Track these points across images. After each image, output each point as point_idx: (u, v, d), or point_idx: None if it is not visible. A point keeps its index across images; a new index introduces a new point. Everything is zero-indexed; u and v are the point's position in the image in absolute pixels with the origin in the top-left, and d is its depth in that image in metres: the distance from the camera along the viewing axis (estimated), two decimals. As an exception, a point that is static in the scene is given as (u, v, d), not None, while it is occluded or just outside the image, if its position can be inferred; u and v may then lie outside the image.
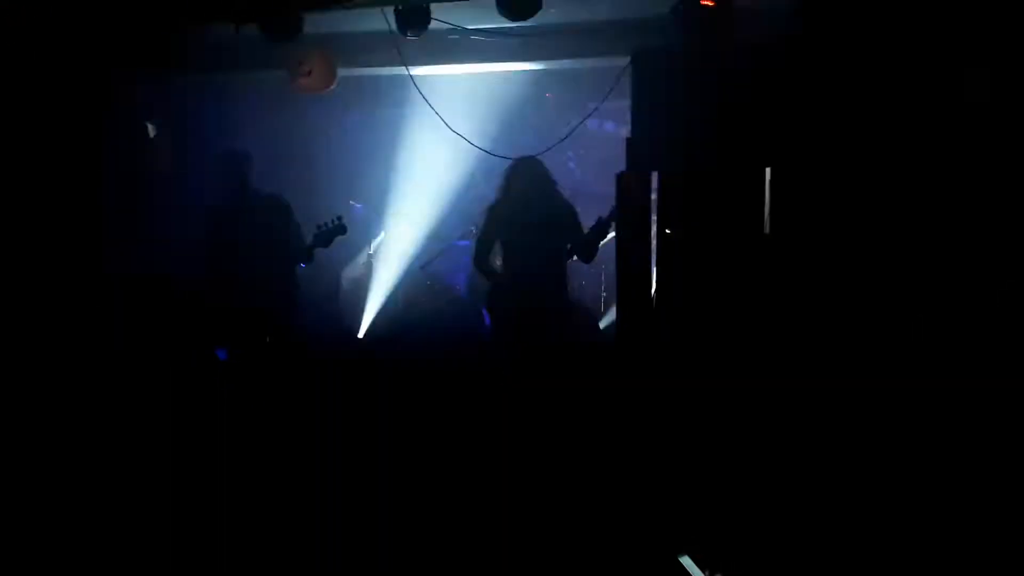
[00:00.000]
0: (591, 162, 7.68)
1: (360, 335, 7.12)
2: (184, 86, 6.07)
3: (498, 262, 4.49)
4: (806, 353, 2.86)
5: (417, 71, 4.96)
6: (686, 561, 2.45)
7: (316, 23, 4.64)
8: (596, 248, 4.44)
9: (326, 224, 4.67)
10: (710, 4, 3.83)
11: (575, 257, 4.54)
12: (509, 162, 4.50)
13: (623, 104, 4.60)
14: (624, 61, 3.71)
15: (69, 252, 4.61)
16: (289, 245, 4.65)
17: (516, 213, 4.33)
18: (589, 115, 5.45)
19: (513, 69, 6.27)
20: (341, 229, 4.68)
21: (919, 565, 2.34)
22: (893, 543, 2.43)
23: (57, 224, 4.59)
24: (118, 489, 3.24)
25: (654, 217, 3.53)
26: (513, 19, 4.32)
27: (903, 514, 2.45)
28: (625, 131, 4.07)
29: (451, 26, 4.75)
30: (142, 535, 2.91)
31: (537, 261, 4.32)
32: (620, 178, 3.67)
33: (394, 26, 4.50)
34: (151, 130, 5.98)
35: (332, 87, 5.29)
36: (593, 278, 6.93)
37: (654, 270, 3.52)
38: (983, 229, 2.54)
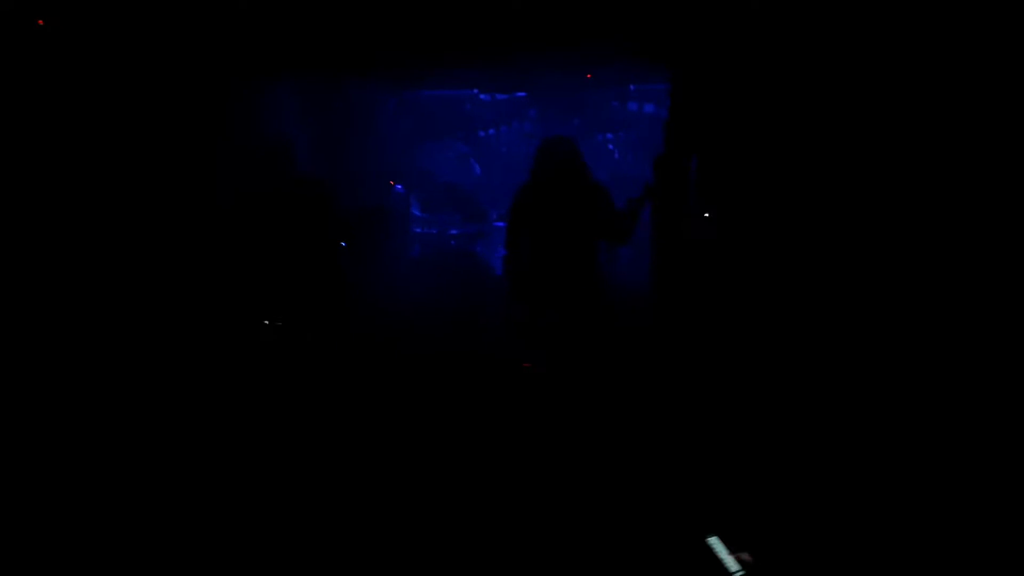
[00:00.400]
0: (631, 144, 7.65)
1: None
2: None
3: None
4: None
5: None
6: (714, 541, 2.48)
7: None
8: (630, 229, 4.23)
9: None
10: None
11: (608, 240, 4.35)
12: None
13: (663, 87, 4.59)
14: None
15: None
16: (330, 228, 4.73)
17: (542, 194, 4.18)
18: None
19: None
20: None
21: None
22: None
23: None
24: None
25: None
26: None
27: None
28: (665, 114, 4.06)
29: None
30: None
31: (564, 246, 4.16)
32: (657, 161, 3.67)
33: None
34: None
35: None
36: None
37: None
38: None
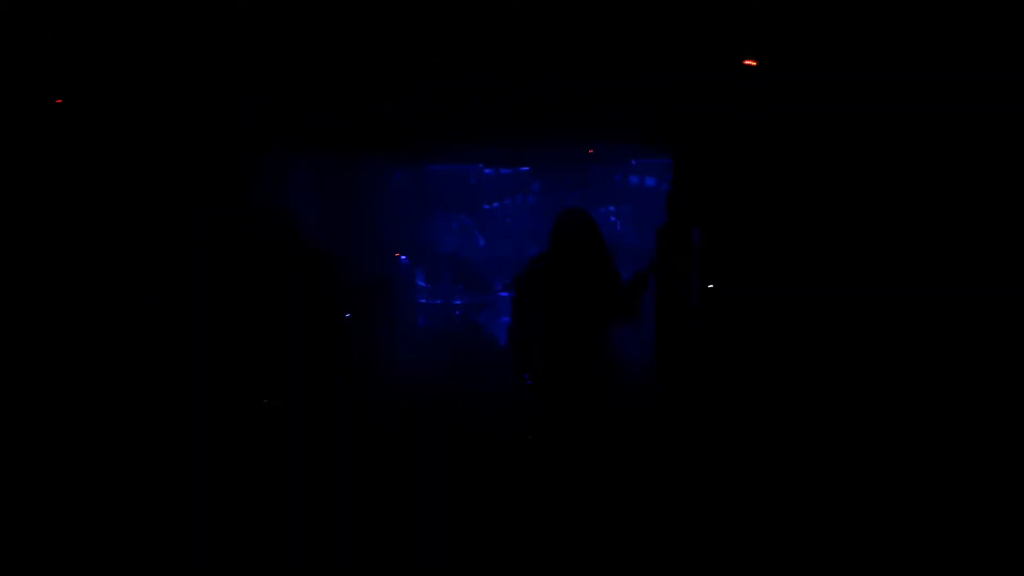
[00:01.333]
0: (632, 217, 7.78)
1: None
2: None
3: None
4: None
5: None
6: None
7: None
8: (637, 305, 4.20)
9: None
10: (752, 64, 3.91)
11: (619, 317, 4.32)
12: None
13: (664, 161, 4.70)
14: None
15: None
16: (336, 298, 4.78)
17: (558, 266, 4.14)
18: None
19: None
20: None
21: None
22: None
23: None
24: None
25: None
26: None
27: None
28: (666, 187, 4.14)
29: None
30: None
31: (578, 319, 4.11)
32: (659, 232, 3.72)
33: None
34: None
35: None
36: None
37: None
38: None
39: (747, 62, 3.99)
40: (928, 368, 2.65)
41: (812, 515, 2.83)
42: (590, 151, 7.31)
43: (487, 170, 8.01)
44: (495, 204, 8.27)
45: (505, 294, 6.71)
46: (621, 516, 3.40)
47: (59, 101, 4.13)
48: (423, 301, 7.55)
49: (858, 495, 2.75)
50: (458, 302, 7.63)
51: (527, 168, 7.55)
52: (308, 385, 4.66)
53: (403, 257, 7.75)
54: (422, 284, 7.63)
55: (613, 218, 7.89)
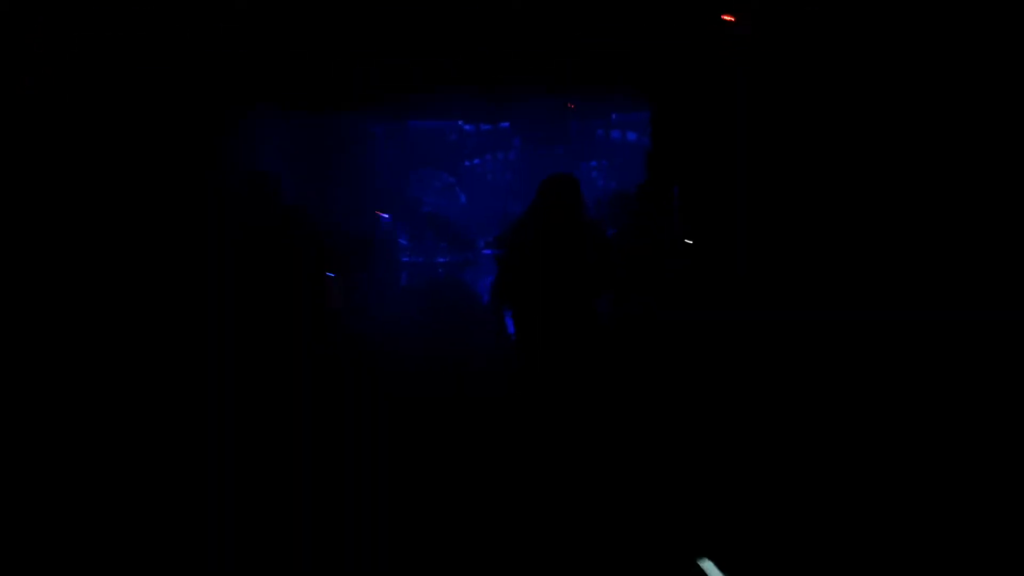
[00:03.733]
0: (615, 172, 7.77)
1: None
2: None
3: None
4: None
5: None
6: (707, 565, 2.51)
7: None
8: (614, 271, 4.21)
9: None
10: (730, 19, 3.89)
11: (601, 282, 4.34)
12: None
13: (645, 115, 4.69)
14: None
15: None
16: (318, 259, 4.76)
17: (541, 235, 4.13)
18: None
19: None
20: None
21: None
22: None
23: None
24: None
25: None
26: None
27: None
28: (647, 141, 4.15)
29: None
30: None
31: (561, 290, 4.11)
32: (640, 189, 3.74)
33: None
34: None
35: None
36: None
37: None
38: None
39: (725, 17, 3.97)
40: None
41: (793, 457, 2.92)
42: (570, 105, 7.25)
43: (467, 126, 7.94)
44: (476, 161, 8.22)
45: (488, 252, 6.72)
46: (609, 477, 3.49)
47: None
48: (405, 259, 7.55)
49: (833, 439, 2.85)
50: (441, 260, 7.63)
51: (507, 124, 7.50)
52: (291, 345, 4.67)
53: (385, 215, 7.72)
54: (404, 242, 7.61)
55: (595, 173, 7.88)
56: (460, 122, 7.83)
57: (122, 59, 4.23)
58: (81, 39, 3.98)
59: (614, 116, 7.71)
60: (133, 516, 3.13)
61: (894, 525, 2.53)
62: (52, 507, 3.14)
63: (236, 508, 3.23)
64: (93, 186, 4.21)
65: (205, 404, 4.07)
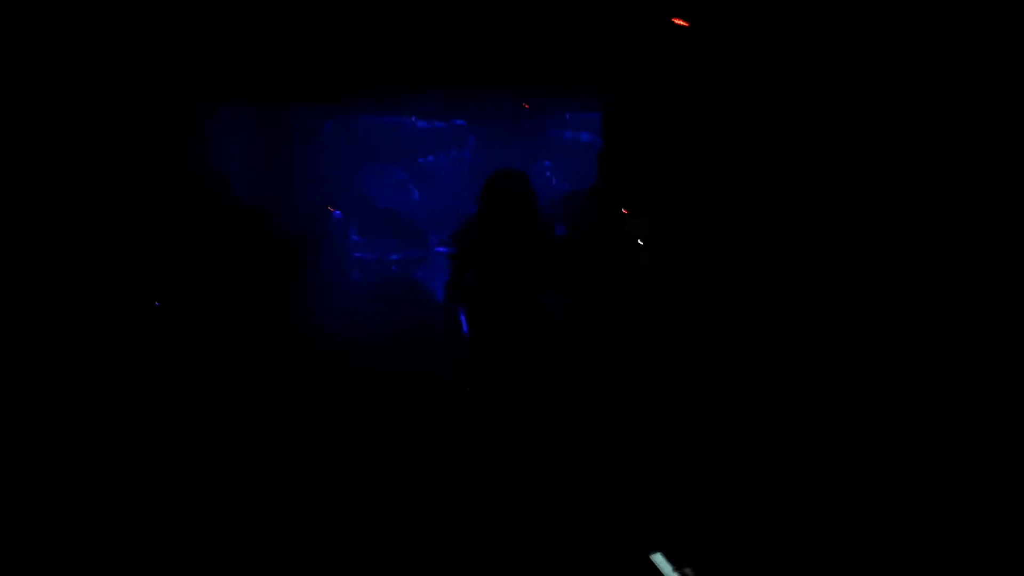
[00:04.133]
0: (568, 171, 7.83)
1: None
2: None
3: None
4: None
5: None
6: (657, 559, 2.55)
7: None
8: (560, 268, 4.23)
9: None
10: (683, 24, 3.96)
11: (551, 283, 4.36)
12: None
13: (598, 116, 4.73)
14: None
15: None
16: (266, 253, 4.69)
17: (492, 233, 4.14)
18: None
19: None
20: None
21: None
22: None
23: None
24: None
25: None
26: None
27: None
28: (601, 141, 4.19)
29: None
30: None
31: (510, 287, 4.13)
32: (593, 188, 3.77)
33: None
34: None
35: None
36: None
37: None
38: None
39: (677, 21, 4.03)
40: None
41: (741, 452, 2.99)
42: (525, 105, 7.28)
43: (421, 123, 7.88)
44: (430, 158, 8.18)
45: (442, 249, 6.70)
46: (554, 467, 3.52)
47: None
48: (358, 255, 7.48)
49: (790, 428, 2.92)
50: (394, 256, 7.58)
51: (462, 122, 7.48)
52: (246, 342, 4.60)
53: (336, 212, 7.63)
54: (356, 238, 7.54)
55: (548, 173, 7.92)
56: (414, 118, 7.78)
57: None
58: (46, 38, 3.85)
59: (568, 116, 7.76)
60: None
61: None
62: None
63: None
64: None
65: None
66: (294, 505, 3.27)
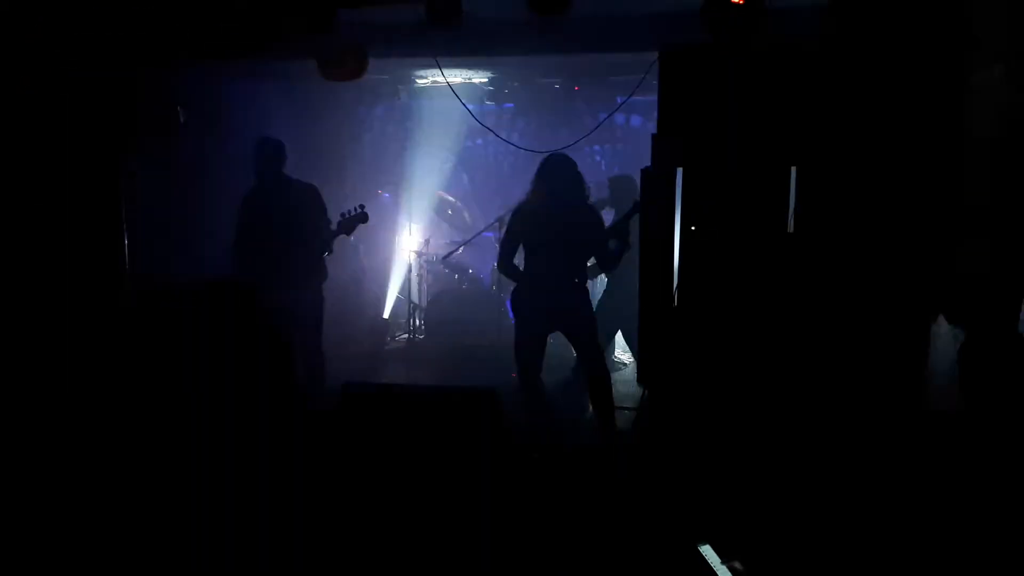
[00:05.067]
0: (617, 157, 7.71)
1: (385, 316, 7.25)
2: (214, 74, 6.13)
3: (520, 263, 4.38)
4: (823, 352, 2.89)
5: (449, 67, 4.97)
6: (706, 550, 2.50)
7: (349, 13, 4.71)
8: (618, 255, 4.28)
9: (349, 211, 4.76)
10: (739, 2, 3.84)
11: (600, 264, 4.41)
12: (541, 158, 4.38)
13: (651, 99, 4.63)
14: (653, 56, 3.71)
15: (90, 251, 4.44)
16: (319, 234, 4.73)
17: (542, 214, 4.23)
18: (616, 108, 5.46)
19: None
20: (363, 217, 4.76)
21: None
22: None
23: (78, 219, 4.38)
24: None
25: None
26: (543, 14, 4.34)
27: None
28: (652, 126, 4.11)
29: (481, 19, 4.79)
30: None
31: (559, 266, 4.22)
32: (645, 173, 3.70)
33: (425, 18, 4.54)
34: (181, 115, 5.91)
35: (362, 76, 5.36)
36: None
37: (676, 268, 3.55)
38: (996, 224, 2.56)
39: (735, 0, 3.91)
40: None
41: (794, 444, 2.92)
42: (576, 88, 7.18)
43: (470, 105, 7.83)
44: (478, 141, 8.15)
45: (490, 234, 6.69)
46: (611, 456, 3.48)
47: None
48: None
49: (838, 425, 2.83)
50: (442, 241, 7.59)
51: (511, 105, 7.42)
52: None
53: (385, 194, 7.67)
54: (404, 221, 7.57)
55: (598, 158, 7.82)
56: (463, 101, 7.73)
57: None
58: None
59: (619, 100, 7.62)
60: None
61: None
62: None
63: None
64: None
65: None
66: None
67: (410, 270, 7.23)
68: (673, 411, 3.44)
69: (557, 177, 4.20)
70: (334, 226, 4.76)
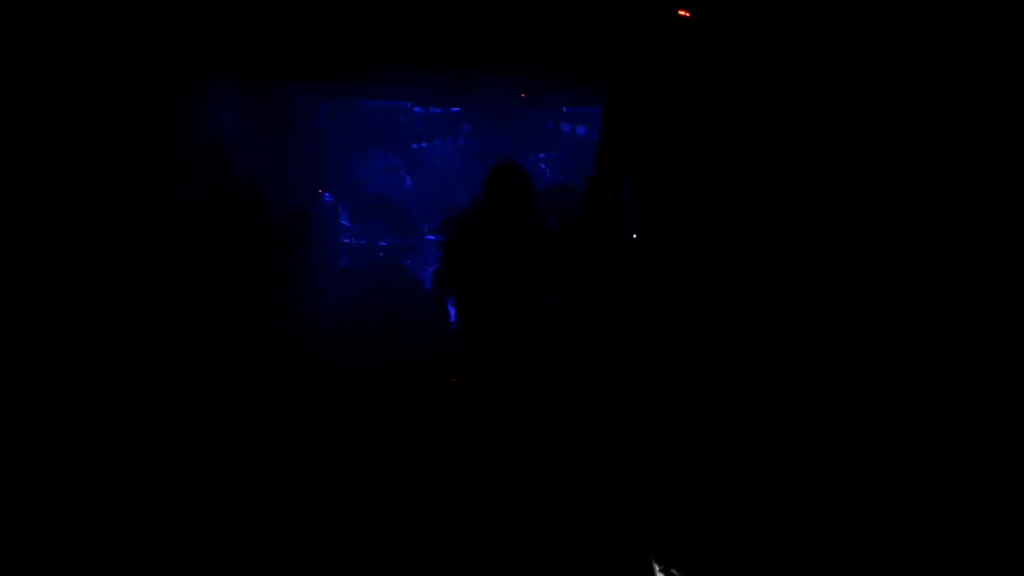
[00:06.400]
0: (563, 165, 7.75)
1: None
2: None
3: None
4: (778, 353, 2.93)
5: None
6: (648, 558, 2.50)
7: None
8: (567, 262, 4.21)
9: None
10: (686, 16, 3.89)
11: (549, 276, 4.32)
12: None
13: (596, 110, 4.67)
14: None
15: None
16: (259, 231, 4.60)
17: (491, 220, 4.08)
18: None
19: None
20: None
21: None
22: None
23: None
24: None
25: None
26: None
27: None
28: (596, 135, 4.13)
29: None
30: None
31: (502, 283, 4.05)
32: (588, 181, 3.71)
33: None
34: None
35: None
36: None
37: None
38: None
39: (681, 13, 3.96)
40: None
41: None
42: (522, 95, 7.20)
43: (416, 108, 7.78)
44: (424, 144, 8.09)
45: (432, 237, 6.63)
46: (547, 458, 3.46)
47: None
48: (346, 241, 7.37)
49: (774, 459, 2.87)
50: (383, 243, 7.47)
51: (458, 109, 7.39)
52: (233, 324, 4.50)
53: (326, 195, 7.51)
54: (346, 223, 7.43)
55: (543, 165, 7.85)
56: (409, 103, 7.68)
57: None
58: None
59: (565, 109, 7.69)
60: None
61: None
62: None
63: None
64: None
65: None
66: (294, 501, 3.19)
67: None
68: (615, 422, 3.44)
69: (507, 185, 4.04)
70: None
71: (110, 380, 3.67)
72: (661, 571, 2.35)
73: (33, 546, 2.66)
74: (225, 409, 3.86)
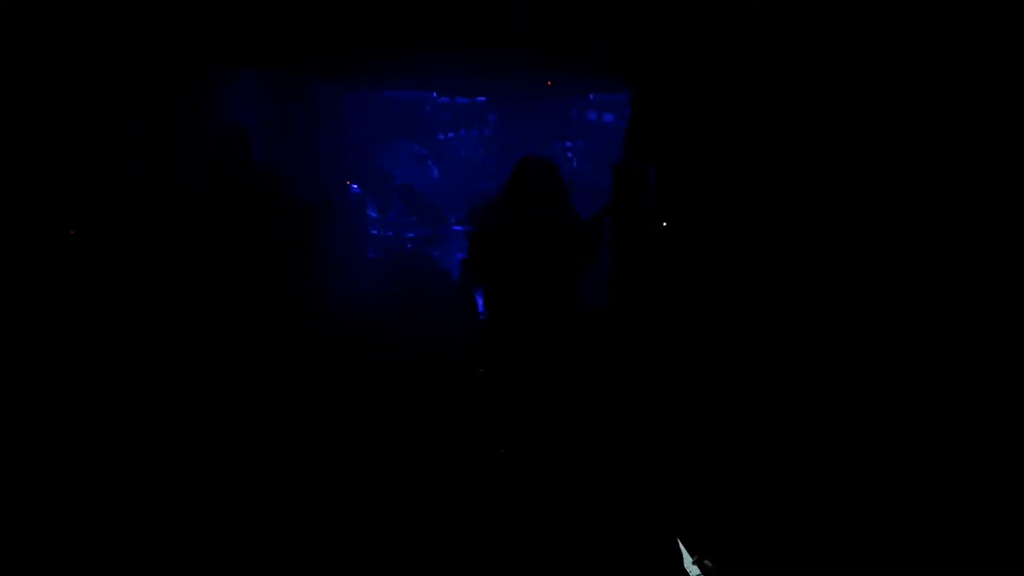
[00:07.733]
0: (589, 153, 7.70)
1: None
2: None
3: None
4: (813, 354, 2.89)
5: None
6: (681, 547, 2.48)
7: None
8: (596, 250, 4.14)
9: None
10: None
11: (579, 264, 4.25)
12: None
13: (623, 97, 4.62)
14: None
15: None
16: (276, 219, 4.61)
17: (518, 213, 4.03)
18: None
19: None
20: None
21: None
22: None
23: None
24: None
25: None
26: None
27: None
28: (624, 123, 4.08)
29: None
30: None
31: (537, 267, 4.01)
32: (616, 169, 3.68)
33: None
34: None
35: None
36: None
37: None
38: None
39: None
40: (881, 316, 2.70)
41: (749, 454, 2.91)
42: (548, 83, 7.14)
43: (442, 99, 7.78)
44: (450, 135, 8.09)
45: (459, 228, 6.63)
46: (572, 453, 3.45)
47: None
48: (374, 232, 7.41)
49: (795, 438, 2.83)
50: (410, 235, 7.50)
51: (483, 99, 7.36)
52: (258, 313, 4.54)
53: (354, 186, 7.55)
54: (373, 215, 7.47)
55: (570, 154, 7.80)
56: (435, 94, 7.67)
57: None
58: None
59: (592, 97, 7.62)
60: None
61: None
62: None
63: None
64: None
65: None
66: (305, 489, 3.23)
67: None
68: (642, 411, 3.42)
69: (536, 181, 3.94)
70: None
71: (125, 369, 3.75)
72: (694, 563, 2.34)
73: (33, 546, 2.69)
74: (247, 398, 3.91)
